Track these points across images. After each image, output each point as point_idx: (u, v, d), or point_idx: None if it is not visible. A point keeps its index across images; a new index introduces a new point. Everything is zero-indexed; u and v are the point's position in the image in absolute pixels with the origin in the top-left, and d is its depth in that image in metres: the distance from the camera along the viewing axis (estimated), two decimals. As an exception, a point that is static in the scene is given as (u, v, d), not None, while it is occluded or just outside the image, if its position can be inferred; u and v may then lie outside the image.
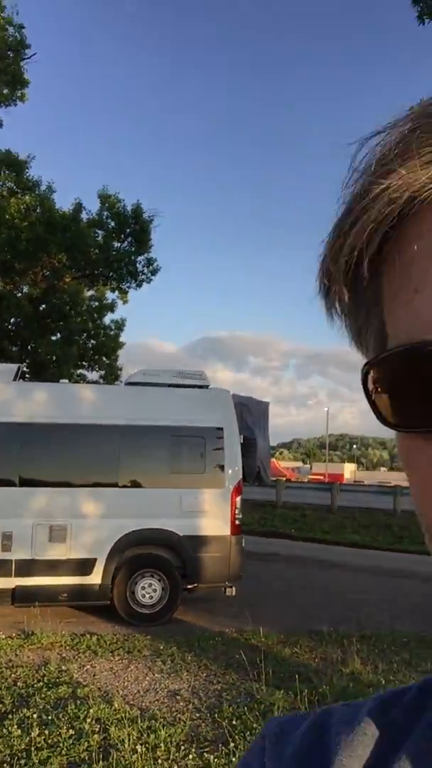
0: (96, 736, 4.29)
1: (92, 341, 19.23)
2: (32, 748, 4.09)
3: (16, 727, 4.40)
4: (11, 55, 18.63)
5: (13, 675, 5.52)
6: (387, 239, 0.40)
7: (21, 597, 7.17)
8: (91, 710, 4.72)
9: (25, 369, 17.37)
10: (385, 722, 0.46)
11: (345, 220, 0.40)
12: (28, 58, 18.93)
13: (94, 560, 7.33)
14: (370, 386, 0.41)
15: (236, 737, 4.31)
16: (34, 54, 18.95)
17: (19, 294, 18.00)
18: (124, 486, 7.63)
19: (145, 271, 18.09)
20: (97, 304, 19.26)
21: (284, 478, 29.05)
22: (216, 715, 4.76)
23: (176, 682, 5.52)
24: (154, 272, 18.29)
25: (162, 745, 4.17)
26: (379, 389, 0.41)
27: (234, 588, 7.80)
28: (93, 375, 19.68)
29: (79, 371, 19.35)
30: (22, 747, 4.13)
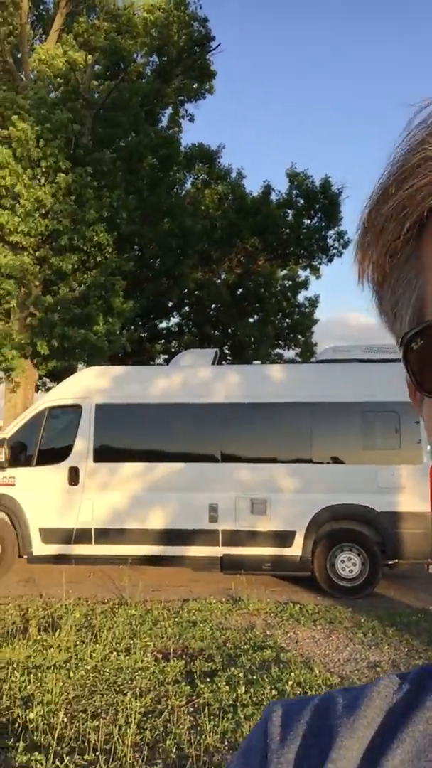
0: (297, 697, 4.55)
1: (287, 320, 19.57)
2: (238, 704, 4.47)
3: (224, 683, 4.82)
4: (197, 50, 19.40)
5: (222, 636, 6.01)
6: None
7: (228, 565, 7.72)
8: (293, 674, 5.00)
9: (226, 351, 18.28)
10: (385, 705, 0.47)
11: (391, 182, 0.40)
12: (213, 50, 19.57)
13: (294, 533, 7.62)
14: (410, 355, 0.43)
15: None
16: (218, 45, 19.52)
17: (218, 281, 18.90)
18: (318, 462, 7.79)
19: (336, 245, 17.92)
20: (290, 283, 19.53)
21: None
22: (416, 689, 4.76)
23: (376, 654, 5.60)
24: (345, 245, 18.02)
25: (359, 712, 4.30)
26: (419, 358, 0.42)
27: (438, 565, 7.59)
28: (289, 353, 20.07)
29: (276, 350, 19.85)
30: (230, 702, 4.53)
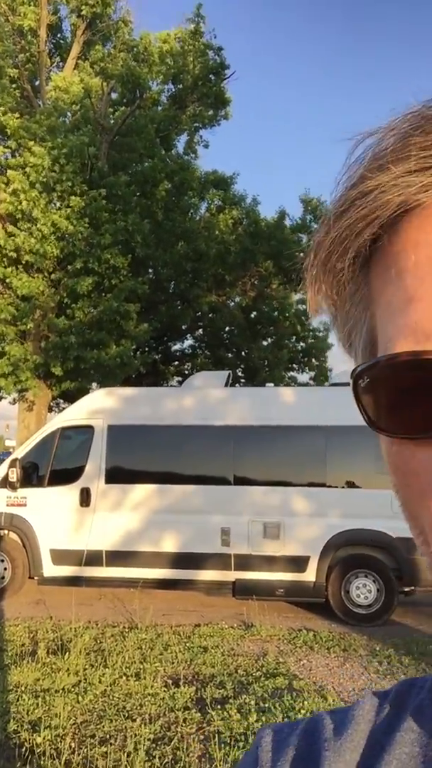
0: (310, 727, 4.42)
1: (301, 344, 19.55)
2: (249, 732, 4.36)
3: (236, 711, 4.70)
4: (213, 78, 19.75)
5: (234, 663, 5.89)
6: (376, 240, 0.39)
7: (240, 590, 7.60)
8: (305, 702, 4.87)
9: (240, 374, 18.27)
10: (370, 727, 0.47)
11: (332, 214, 0.40)
12: (228, 77, 19.92)
13: (308, 558, 7.51)
14: (360, 391, 0.41)
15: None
16: (233, 72, 19.87)
17: (231, 304, 18.97)
18: (333, 486, 7.70)
19: (350, 269, 17.89)
20: (304, 307, 19.53)
21: None
22: (433, 721, 4.62)
23: (392, 684, 5.44)
24: (359, 270, 18.02)
25: (375, 743, 4.17)
26: (369, 394, 0.40)
27: (455, 593, 7.43)
28: (303, 377, 20.01)
29: (289, 374, 19.81)
30: (241, 730, 4.41)
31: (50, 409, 16.19)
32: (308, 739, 0.48)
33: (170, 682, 5.32)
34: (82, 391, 12.95)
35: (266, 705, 4.84)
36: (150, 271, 16.94)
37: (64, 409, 11.90)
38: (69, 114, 17.11)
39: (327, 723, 0.48)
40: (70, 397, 14.93)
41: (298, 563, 7.53)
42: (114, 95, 18.07)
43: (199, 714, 4.68)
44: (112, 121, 16.03)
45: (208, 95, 19.54)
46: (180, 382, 18.43)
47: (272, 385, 10.18)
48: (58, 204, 13.48)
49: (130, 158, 15.85)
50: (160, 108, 18.70)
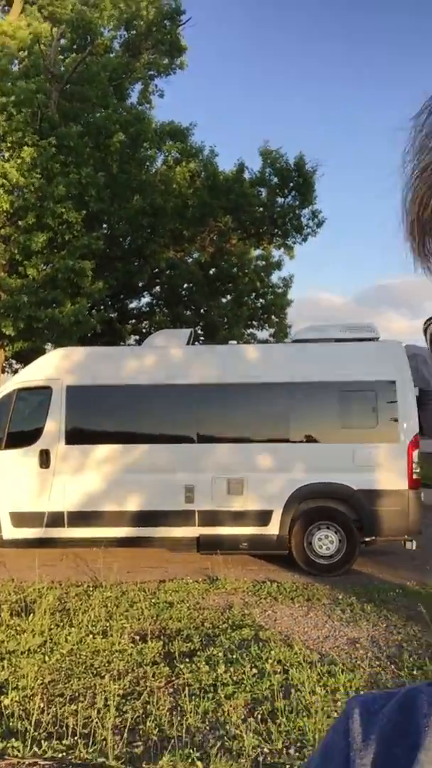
0: (277, 676, 4.50)
1: (261, 300, 19.41)
2: (219, 684, 4.41)
3: (204, 663, 4.75)
4: (168, 23, 18.96)
5: (200, 616, 5.94)
6: None
7: (205, 545, 7.65)
8: (272, 652, 4.95)
9: (199, 332, 18.11)
10: None
11: None
12: (184, 23, 19.16)
13: (271, 512, 7.58)
14: None
15: (417, 687, 4.28)
16: (189, 18, 19.11)
17: (190, 260, 18.64)
18: (296, 441, 7.74)
19: (311, 224, 17.77)
20: (264, 263, 19.36)
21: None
22: (396, 664, 4.76)
23: (355, 631, 5.58)
24: (319, 224, 17.88)
25: (341, 688, 4.27)
26: None
27: (414, 542, 7.63)
28: (263, 334, 19.96)
29: (249, 331, 19.72)
30: (210, 682, 4.46)
31: (2, 371, 15.79)
32: (405, 712, 0.46)
33: (137, 638, 5.34)
34: (36, 352, 12.62)
35: (234, 656, 4.90)
36: (105, 226, 16.46)
37: (17, 370, 11.58)
38: (16, 61, 16.24)
39: (425, 697, 0.46)
40: (24, 357, 14.56)
41: (261, 517, 7.60)
42: (63, 41, 17.20)
43: (167, 668, 4.71)
44: (62, 69, 15.30)
45: (162, 42, 18.81)
46: (138, 341, 18.18)
47: (234, 342, 10.07)
48: (7, 155, 12.87)
49: (82, 108, 15.18)
50: (112, 55, 17.92)
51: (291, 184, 17.41)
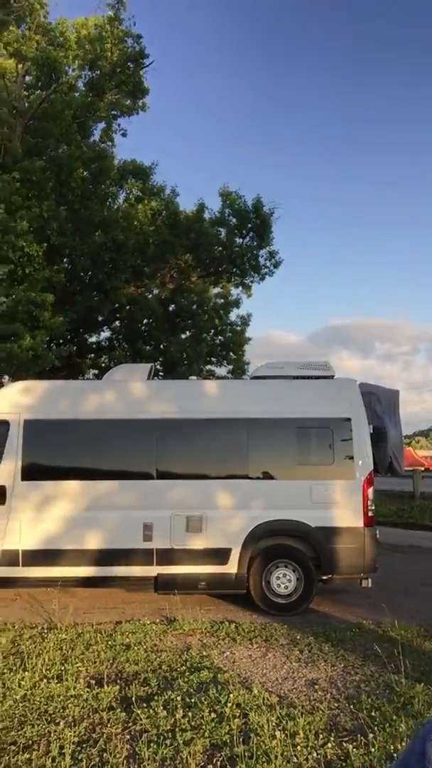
0: (237, 720, 4.44)
1: (220, 337, 19.67)
2: (177, 729, 4.32)
3: (162, 708, 4.65)
4: (131, 66, 19.41)
5: (158, 659, 5.83)
6: None
7: (163, 584, 7.54)
8: (231, 695, 4.88)
9: (158, 367, 18.14)
10: None
11: None
12: (146, 66, 19.63)
13: (229, 550, 7.54)
14: None
15: (375, 729, 4.29)
16: (152, 62, 19.60)
17: (150, 296, 18.77)
18: (255, 478, 7.77)
19: (268, 264, 18.19)
20: (222, 301, 19.67)
21: (422, 468, 27.98)
22: (354, 705, 4.76)
23: (314, 672, 5.57)
24: (276, 265, 18.33)
25: (301, 732, 4.24)
26: None
27: (370, 580, 7.69)
28: (222, 370, 20.13)
29: (208, 367, 19.87)
30: (168, 727, 4.37)
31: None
32: None
33: (93, 682, 5.20)
34: (-6, 385, 12.43)
35: (192, 700, 4.82)
36: (66, 260, 16.48)
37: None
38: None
39: None
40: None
41: (220, 555, 7.56)
42: (29, 78, 17.41)
43: (124, 713, 4.60)
44: (27, 105, 15.45)
45: (126, 83, 19.18)
46: (96, 376, 18.09)
47: (194, 378, 10.16)
48: (-32, 187, 12.84)
49: (45, 144, 15.32)
50: (77, 94, 18.19)
51: (249, 225, 17.84)
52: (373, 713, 4.58)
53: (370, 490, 7.67)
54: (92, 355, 19.96)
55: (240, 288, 19.29)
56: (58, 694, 4.93)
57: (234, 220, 17.86)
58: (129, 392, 8.10)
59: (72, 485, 7.74)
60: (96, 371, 19.01)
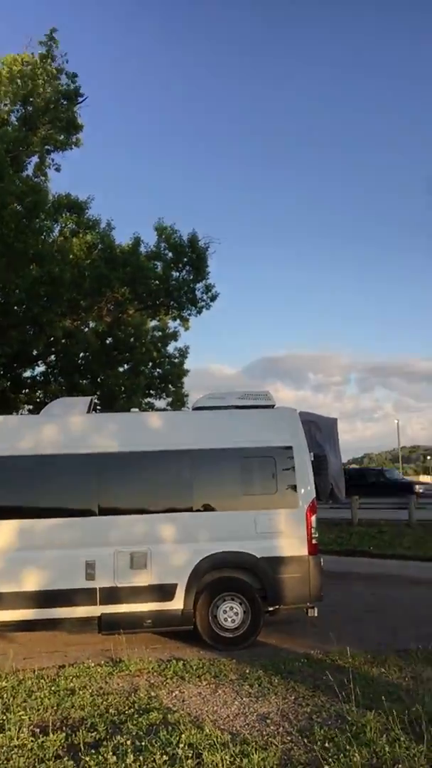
0: (190, 761, 4.32)
1: (158, 370, 19.66)
2: (129, 774, 4.16)
3: (111, 754, 4.46)
4: (65, 102, 19.53)
5: (105, 702, 5.62)
6: None
7: (107, 625, 7.31)
8: (182, 735, 4.75)
9: (96, 401, 17.90)
10: None
11: None
12: (80, 102, 19.80)
13: (175, 585, 7.41)
14: None
15: (330, 760, 4.25)
16: (86, 98, 19.80)
17: (86, 329, 18.61)
18: (199, 510, 7.71)
19: (204, 297, 18.42)
20: (160, 333, 19.72)
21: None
22: (308, 738, 4.71)
23: (265, 706, 5.49)
24: (213, 298, 18.59)
25: (255, 768, 4.16)
26: None
27: (316, 609, 7.71)
28: (161, 403, 20.07)
29: (147, 400, 19.77)
30: (119, 773, 4.20)
31: None
32: None
33: (38, 730, 4.96)
34: None
35: (142, 743, 4.65)
36: (-1, 294, 16.19)
37: None
38: None
39: None
40: None
41: (165, 592, 7.41)
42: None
43: (72, 761, 4.40)
44: (-43, 138, 15.25)
45: (59, 119, 19.26)
46: (31, 411, 17.67)
47: (135, 410, 10.08)
48: None
49: (-23, 177, 15.11)
50: (9, 128, 18.10)
51: (185, 259, 18.06)
52: (326, 744, 4.54)
53: (314, 518, 7.74)
54: (27, 390, 19.52)
55: (177, 321, 19.43)
56: (1, 745, 4.66)
57: (170, 254, 18.05)
58: (68, 426, 7.93)
59: (10, 524, 7.46)
60: (30, 407, 18.58)
